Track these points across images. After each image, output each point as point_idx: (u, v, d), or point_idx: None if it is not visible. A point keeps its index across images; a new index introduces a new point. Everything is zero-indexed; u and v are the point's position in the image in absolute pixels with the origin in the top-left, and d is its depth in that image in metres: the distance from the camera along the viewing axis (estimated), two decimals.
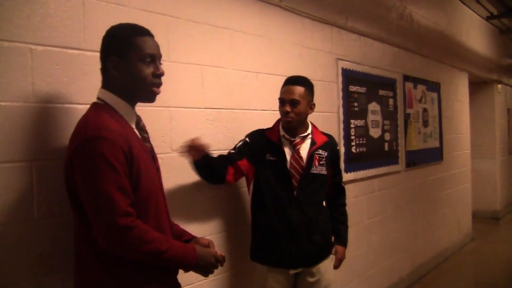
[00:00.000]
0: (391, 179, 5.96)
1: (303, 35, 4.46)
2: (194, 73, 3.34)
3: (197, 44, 3.37)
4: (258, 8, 3.95)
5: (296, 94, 3.26)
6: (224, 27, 3.60)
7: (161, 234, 2.15)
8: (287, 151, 3.30)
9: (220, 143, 3.52)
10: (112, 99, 2.18)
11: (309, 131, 3.39)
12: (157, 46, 2.25)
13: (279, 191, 3.27)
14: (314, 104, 3.39)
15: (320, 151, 3.36)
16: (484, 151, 10.69)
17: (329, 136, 3.52)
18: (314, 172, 3.32)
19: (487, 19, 9.40)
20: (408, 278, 6.42)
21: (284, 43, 4.22)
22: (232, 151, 3.32)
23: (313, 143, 3.36)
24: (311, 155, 3.32)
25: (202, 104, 3.40)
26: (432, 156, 7.28)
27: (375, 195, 5.58)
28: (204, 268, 2.30)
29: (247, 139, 3.35)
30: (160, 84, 2.24)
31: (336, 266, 3.57)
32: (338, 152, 3.58)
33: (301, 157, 3.30)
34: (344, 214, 3.68)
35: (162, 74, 2.23)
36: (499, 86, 10.98)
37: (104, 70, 2.21)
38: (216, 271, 2.43)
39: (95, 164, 1.98)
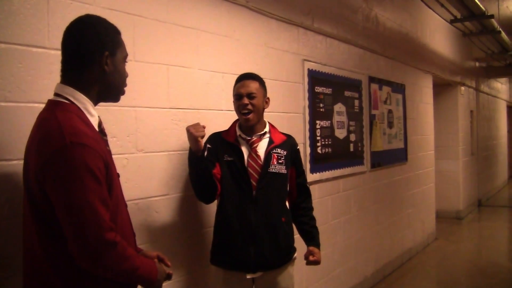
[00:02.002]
0: (356, 180, 6.01)
1: (270, 35, 4.47)
2: (159, 73, 3.33)
3: (163, 43, 3.36)
4: (225, 9, 3.95)
5: (252, 88, 3.25)
6: (191, 27, 3.59)
7: (131, 248, 2.05)
8: (244, 150, 3.25)
9: (186, 144, 3.48)
10: (81, 98, 2.00)
11: (266, 129, 3.34)
12: None
13: (238, 192, 3.22)
14: (268, 98, 3.39)
15: (279, 150, 3.31)
16: (447, 152, 10.85)
17: (288, 136, 3.47)
18: (273, 171, 3.26)
19: (451, 22, 9.53)
20: (373, 278, 6.49)
21: (251, 44, 4.23)
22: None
23: (270, 141, 3.31)
24: (268, 153, 3.26)
25: (168, 104, 3.39)
26: (397, 157, 7.36)
27: (340, 196, 5.62)
28: (159, 285, 2.19)
29: (208, 145, 3.28)
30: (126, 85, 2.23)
31: (310, 263, 3.50)
32: (298, 151, 3.51)
33: (258, 156, 3.25)
34: (314, 219, 3.62)
35: (127, 76, 2.21)
36: (462, 88, 11.15)
37: (83, 61, 2.02)
38: (175, 275, 2.40)
39: (77, 174, 1.82)
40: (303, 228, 3.54)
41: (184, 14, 3.54)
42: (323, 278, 5.23)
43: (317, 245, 3.52)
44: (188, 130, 3.03)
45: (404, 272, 7.21)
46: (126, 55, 2.16)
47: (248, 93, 3.24)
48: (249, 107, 3.23)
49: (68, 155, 1.82)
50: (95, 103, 2.08)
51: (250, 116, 3.24)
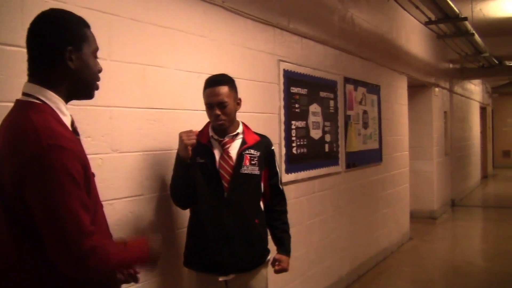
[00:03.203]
0: (331, 180, 6.04)
1: (246, 36, 4.47)
2: (135, 72, 3.31)
3: (139, 43, 3.34)
4: (201, 9, 3.95)
5: (222, 95, 3.18)
6: (167, 27, 3.58)
7: (115, 242, 2.01)
8: (216, 152, 3.22)
9: (162, 144, 3.49)
10: (52, 97, 1.92)
11: (238, 130, 3.31)
12: None
13: (209, 193, 3.19)
14: (240, 99, 3.34)
15: (252, 151, 3.28)
16: (422, 152, 10.94)
17: (262, 136, 3.44)
18: (245, 172, 3.23)
19: (426, 24, 9.61)
20: (348, 277, 6.52)
21: (227, 44, 4.23)
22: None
23: (243, 142, 3.28)
24: (240, 154, 3.23)
25: (144, 104, 3.37)
26: (372, 157, 7.41)
27: (315, 196, 5.64)
28: (155, 258, 2.12)
29: None
30: (99, 79, 2.11)
31: (277, 272, 3.50)
32: (272, 152, 3.48)
33: (230, 157, 3.22)
34: (287, 223, 3.58)
35: (101, 70, 2.10)
36: (437, 89, 11.26)
37: (49, 60, 1.93)
38: (145, 277, 2.36)
39: (56, 178, 1.76)
40: (274, 233, 3.52)
41: (161, 13, 3.53)
42: (298, 278, 5.25)
43: (286, 252, 3.51)
44: (180, 136, 3.04)
45: (379, 271, 7.26)
46: (95, 49, 2.05)
47: (219, 103, 3.18)
48: (222, 117, 3.19)
49: (46, 158, 1.76)
50: (67, 101, 2.00)
51: (222, 123, 3.21)
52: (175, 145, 3.33)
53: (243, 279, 3.28)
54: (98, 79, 2.07)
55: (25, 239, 1.85)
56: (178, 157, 3.14)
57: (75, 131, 2.05)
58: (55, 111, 1.92)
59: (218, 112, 3.18)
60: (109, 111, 3.11)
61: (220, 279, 3.22)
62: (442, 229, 10.76)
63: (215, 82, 3.24)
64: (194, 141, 3.07)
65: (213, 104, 3.19)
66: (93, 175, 2.06)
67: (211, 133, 3.30)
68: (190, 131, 3.08)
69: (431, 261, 8.07)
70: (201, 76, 3.83)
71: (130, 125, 3.27)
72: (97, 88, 2.09)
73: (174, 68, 3.64)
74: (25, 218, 1.83)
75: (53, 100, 1.93)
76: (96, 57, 2.06)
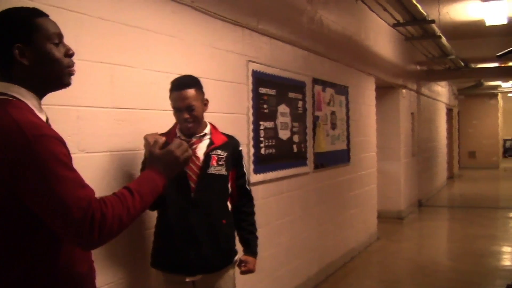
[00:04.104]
0: (299, 181, 6.06)
1: (215, 36, 4.47)
2: (103, 72, 3.28)
3: (107, 42, 3.31)
4: (170, 8, 3.93)
5: (190, 99, 3.16)
6: (136, 26, 3.56)
7: (118, 197, 1.96)
8: None
9: (130, 144, 3.47)
10: (26, 94, 1.90)
11: (206, 131, 3.31)
12: (57, 25, 2.03)
13: (176, 194, 3.17)
14: (207, 100, 3.33)
15: (219, 151, 3.28)
16: (389, 153, 11.03)
17: (229, 137, 3.44)
18: (212, 172, 3.23)
19: (394, 26, 9.71)
20: (316, 277, 6.55)
21: (196, 44, 4.22)
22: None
23: (211, 143, 3.28)
24: (207, 155, 3.23)
25: (111, 103, 3.34)
26: (340, 158, 7.46)
27: (284, 196, 5.66)
28: (176, 163, 2.15)
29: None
30: (73, 64, 2.04)
31: (243, 273, 3.51)
32: (240, 153, 3.47)
33: (197, 157, 3.21)
34: (254, 224, 3.59)
35: (73, 53, 2.03)
36: (404, 90, 11.38)
37: (5, 61, 1.90)
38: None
39: (48, 166, 1.76)
40: (241, 234, 3.52)
41: (130, 13, 3.51)
42: (266, 279, 5.26)
43: (252, 253, 3.52)
44: (146, 139, 3.02)
45: (347, 271, 7.31)
46: (53, 35, 1.96)
47: (186, 106, 3.17)
48: (189, 120, 3.18)
49: (33, 149, 1.75)
50: (42, 96, 1.99)
51: (191, 125, 3.21)
52: (143, 145, 3.32)
53: (210, 280, 3.28)
54: (64, 65, 1.99)
55: (15, 238, 1.85)
56: (145, 160, 3.12)
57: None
58: (30, 108, 1.90)
59: (186, 116, 3.17)
60: (76, 111, 3.07)
61: (187, 279, 3.22)
62: (409, 229, 10.89)
63: (181, 85, 3.21)
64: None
65: (181, 108, 3.18)
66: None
67: (178, 133, 3.28)
68: (155, 134, 3.07)
69: (398, 261, 8.17)
70: (170, 76, 3.80)
71: (98, 125, 3.24)
72: (69, 74, 2.02)
73: (143, 68, 3.62)
74: (15, 216, 1.83)
75: (27, 97, 1.91)
76: (58, 43, 1.98)
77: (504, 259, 8.29)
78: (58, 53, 1.97)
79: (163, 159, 2.15)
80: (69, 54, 2.01)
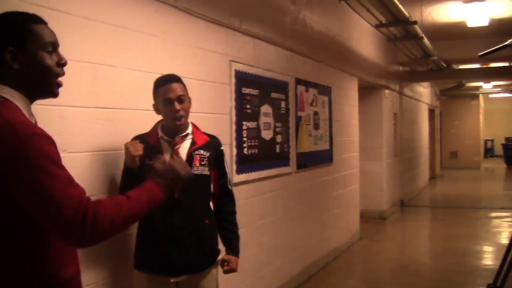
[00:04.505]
0: (282, 181, 6.07)
1: (198, 36, 4.46)
2: (86, 71, 3.26)
3: (90, 41, 3.29)
4: (153, 8, 3.92)
5: (179, 91, 3.20)
6: (118, 26, 3.54)
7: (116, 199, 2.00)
8: (166, 152, 3.17)
9: (112, 143, 3.45)
10: (16, 95, 1.92)
11: (188, 130, 3.30)
12: (55, 34, 2.06)
13: None
14: (190, 98, 3.34)
15: (201, 151, 3.27)
16: (372, 153, 11.08)
17: (211, 136, 3.44)
18: (195, 172, 3.19)
19: (376, 27, 9.76)
20: (299, 277, 6.57)
21: (178, 44, 4.21)
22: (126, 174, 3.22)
23: (193, 143, 3.27)
24: (190, 155, 3.22)
25: (93, 103, 3.32)
26: (323, 158, 7.48)
27: (266, 197, 5.67)
28: (174, 178, 2.24)
29: None
30: (63, 74, 2.07)
31: (226, 272, 3.50)
32: (222, 152, 3.48)
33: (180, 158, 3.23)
34: (235, 224, 3.60)
35: (66, 63, 2.06)
36: (387, 91, 11.44)
37: None
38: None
39: (39, 165, 1.77)
40: (223, 234, 3.52)
41: (113, 12, 3.49)
42: (249, 279, 5.26)
43: (235, 253, 3.52)
44: (126, 148, 3.01)
45: (330, 271, 7.33)
46: (47, 43, 1.99)
47: (178, 97, 3.18)
48: (181, 112, 3.18)
49: (25, 148, 1.77)
50: (31, 100, 2.01)
51: (182, 121, 3.21)
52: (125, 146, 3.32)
53: (194, 280, 3.28)
54: (53, 73, 2.01)
55: (2, 238, 1.85)
56: (126, 167, 3.10)
57: None
58: (20, 109, 1.92)
59: (178, 107, 3.17)
60: (58, 110, 3.05)
61: (172, 280, 3.21)
62: (391, 229, 10.95)
63: (169, 79, 3.25)
64: (141, 151, 3.05)
65: (172, 99, 3.17)
66: None
67: (160, 133, 3.27)
68: (136, 142, 3.06)
69: (380, 260, 8.22)
70: (153, 76, 3.79)
71: (80, 125, 3.22)
72: (57, 84, 2.04)
73: (125, 68, 3.61)
74: (4, 215, 1.83)
75: (18, 99, 1.93)
76: (51, 51, 2.01)
77: (485, 259, 8.35)
78: (50, 61, 1.99)
79: (166, 175, 2.21)
80: (61, 63, 2.04)
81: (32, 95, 2.01)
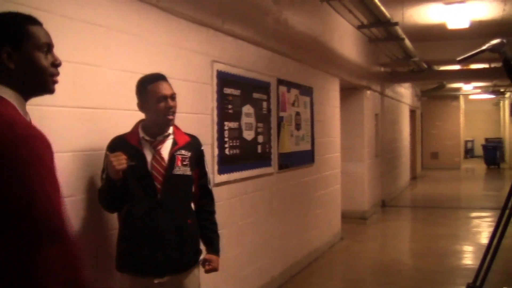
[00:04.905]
0: (264, 181, 6.07)
1: (180, 36, 4.45)
2: (66, 71, 3.20)
3: (70, 41, 3.27)
4: (135, 7, 3.90)
5: (171, 89, 3.23)
6: (99, 25, 3.52)
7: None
8: (148, 153, 3.19)
9: (94, 144, 3.43)
10: (8, 93, 1.93)
11: (170, 131, 3.29)
12: (49, 35, 2.08)
13: (143, 196, 3.16)
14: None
15: (183, 152, 3.27)
16: (353, 154, 11.11)
17: (192, 137, 3.44)
18: (178, 173, 3.22)
19: (358, 28, 9.79)
20: (280, 277, 6.57)
21: (160, 44, 4.20)
22: (104, 174, 3.18)
23: (174, 143, 3.27)
24: (172, 155, 3.22)
25: (74, 103, 3.30)
26: (304, 158, 7.49)
27: (248, 197, 5.67)
28: None
29: (108, 152, 3.19)
30: (58, 74, 2.08)
31: (208, 272, 3.51)
32: (202, 152, 3.48)
33: (162, 158, 3.20)
34: (215, 223, 3.61)
35: (60, 64, 2.07)
36: (368, 92, 11.49)
37: None
38: None
39: (32, 167, 1.76)
40: (203, 233, 3.51)
41: (94, 11, 3.47)
42: (230, 279, 5.25)
43: (216, 252, 3.53)
44: (111, 162, 2.98)
45: (311, 271, 7.35)
46: (43, 44, 2.01)
47: (171, 95, 3.22)
48: (174, 109, 3.22)
49: (21, 148, 1.76)
50: (26, 98, 2.02)
51: (174, 116, 3.24)
52: (106, 145, 3.30)
53: (177, 280, 3.27)
54: (48, 73, 2.03)
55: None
56: (109, 178, 3.06)
57: None
58: (16, 108, 1.92)
59: (172, 103, 3.20)
60: (39, 110, 3.01)
61: (156, 281, 3.19)
62: (373, 229, 11.00)
63: (160, 77, 3.26)
64: (125, 165, 3.01)
65: (167, 96, 3.19)
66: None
67: (141, 134, 3.25)
68: (120, 155, 3.03)
69: (361, 260, 8.25)
70: (134, 76, 3.77)
71: (61, 125, 3.20)
72: (53, 82, 2.06)
73: (107, 67, 3.59)
74: None
75: (13, 97, 1.94)
76: (47, 52, 2.02)
77: (465, 258, 8.43)
78: (45, 61, 2.01)
79: None
80: (55, 64, 2.05)
81: (27, 94, 2.02)
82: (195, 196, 3.48)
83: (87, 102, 3.41)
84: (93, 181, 3.41)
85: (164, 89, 3.20)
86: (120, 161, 2.99)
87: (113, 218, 3.50)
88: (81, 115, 3.36)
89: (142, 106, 3.27)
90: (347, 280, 7.22)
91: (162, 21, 4.23)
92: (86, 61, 3.39)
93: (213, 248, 3.53)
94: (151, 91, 3.20)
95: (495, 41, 3.75)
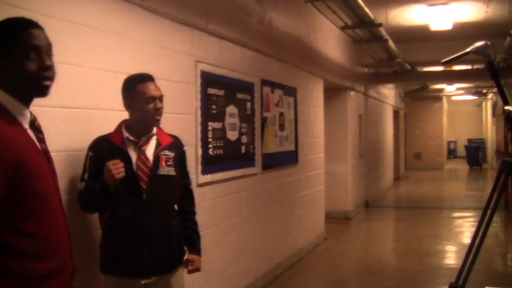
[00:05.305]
0: (248, 181, 6.07)
1: (163, 36, 4.44)
2: None
3: (53, 40, 3.23)
4: (119, 7, 3.89)
5: (159, 90, 3.25)
6: (83, 24, 3.50)
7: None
8: (132, 153, 3.18)
9: (77, 144, 3.41)
10: (2, 96, 2.01)
11: (154, 131, 3.29)
12: (43, 38, 2.12)
13: (128, 197, 3.14)
14: None
15: (167, 152, 3.28)
16: (337, 154, 11.14)
17: (174, 137, 3.45)
18: (162, 173, 3.22)
19: (342, 29, 9.83)
20: (264, 278, 6.58)
21: (144, 43, 4.18)
22: (86, 175, 3.19)
23: (158, 144, 3.27)
24: (157, 156, 3.23)
25: (57, 103, 3.26)
26: (288, 159, 7.50)
27: (232, 197, 5.66)
28: None
29: (90, 153, 3.20)
30: (50, 76, 2.12)
31: (190, 272, 3.51)
32: (184, 153, 3.48)
33: (147, 158, 3.20)
34: (196, 223, 3.62)
35: (48, 67, 2.09)
36: (352, 93, 11.52)
37: None
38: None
39: None
40: (185, 233, 3.51)
41: (77, 10, 3.45)
42: (214, 280, 5.25)
43: (198, 252, 3.55)
44: (110, 170, 2.97)
45: (295, 271, 7.36)
46: (32, 47, 2.05)
47: (160, 96, 3.23)
48: (162, 110, 3.24)
49: None
50: (23, 101, 2.07)
51: (161, 118, 3.25)
52: (88, 147, 3.28)
53: (163, 280, 3.28)
54: (36, 78, 2.06)
55: None
56: (103, 184, 3.05)
57: (37, 129, 2.16)
58: (6, 110, 2.00)
59: (160, 104, 3.23)
60: None
61: (143, 282, 3.19)
62: (356, 229, 11.05)
63: (148, 77, 3.28)
64: (123, 173, 3.00)
65: (156, 97, 3.21)
66: (53, 171, 2.23)
67: (125, 134, 3.24)
68: (118, 162, 3.01)
69: (345, 261, 8.28)
70: (118, 76, 3.76)
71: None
72: (43, 86, 2.09)
73: (90, 67, 3.57)
74: None
75: (7, 101, 2.02)
76: (36, 55, 2.05)
77: (447, 258, 8.49)
78: (28, 67, 2.03)
79: None
80: (43, 67, 2.07)
81: (22, 97, 2.07)
82: (177, 196, 3.48)
83: (70, 102, 3.39)
84: (75, 181, 3.38)
85: (153, 90, 3.22)
86: (119, 169, 2.98)
87: (95, 219, 3.48)
88: (64, 115, 3.33)
89: (128, 105, 3.26)
90: (331, 280, 7.23)
91: (146, 20, 4.21)
92: (68, 60, 3.36)
93: (195, 248, 3.55)
94: (141, 91, 3.20)
95: (480, 43, 3.77)
